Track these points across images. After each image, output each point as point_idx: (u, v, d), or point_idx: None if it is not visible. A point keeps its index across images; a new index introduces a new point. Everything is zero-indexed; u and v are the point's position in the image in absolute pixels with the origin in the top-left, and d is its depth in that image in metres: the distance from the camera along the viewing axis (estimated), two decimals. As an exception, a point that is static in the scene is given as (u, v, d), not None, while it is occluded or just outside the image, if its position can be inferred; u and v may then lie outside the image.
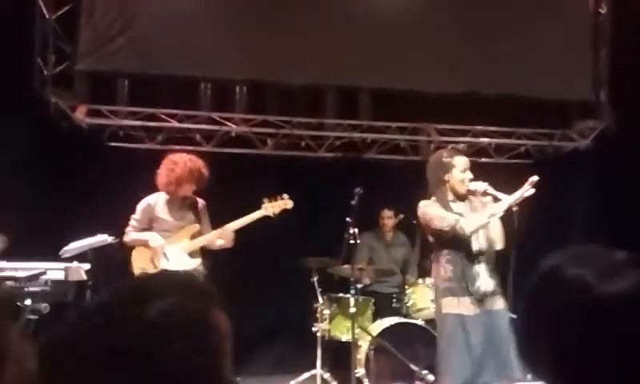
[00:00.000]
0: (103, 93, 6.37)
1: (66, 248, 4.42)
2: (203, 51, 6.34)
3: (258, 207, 5.00)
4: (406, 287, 5.96)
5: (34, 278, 4.05)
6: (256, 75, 6.57)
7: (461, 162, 4.03)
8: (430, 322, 5.58)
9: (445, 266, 3.97)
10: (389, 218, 6.39)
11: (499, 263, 4.08)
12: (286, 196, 5.02)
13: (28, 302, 3.89)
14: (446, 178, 4.02)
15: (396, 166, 6.95)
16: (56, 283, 4.11)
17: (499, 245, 4.03)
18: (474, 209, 4.04)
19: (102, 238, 4.52)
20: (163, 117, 6.49)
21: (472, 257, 3.94)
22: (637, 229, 6.35)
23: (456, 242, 3.93)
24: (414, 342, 5.40)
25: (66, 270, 4.22)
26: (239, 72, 6.55)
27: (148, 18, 6.24)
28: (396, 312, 5.86)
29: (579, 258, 1.05)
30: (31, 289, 4.01)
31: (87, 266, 4.38)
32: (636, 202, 6.42)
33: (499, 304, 3.97)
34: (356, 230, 5.21)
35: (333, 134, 6.83)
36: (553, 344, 1.01)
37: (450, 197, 4.03)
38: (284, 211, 5.01)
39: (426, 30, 6.68)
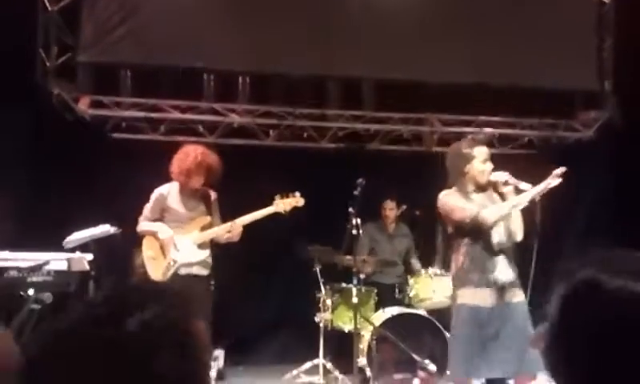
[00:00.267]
0: (106, 84, 6.37)
1: (68, 238, 4.44)
2: (205, 42, 6.33)
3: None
4: (409, 277, 5.97)
5: (36, 269, 4.09)
6: (258, 66, 6.56)
7: (481, 153, 3.97)
8: (433, 312, 5.60)
9: (463, 256, 3.92)
10: (391, 209, 6.39)
11: (519, 255, 4.02)
12: (297, 193, 5.03)
13: (31, 292, 3.93)
14: (466, 169, 3.96)
15: (399, 156, 6.93)
16: (59, 273, 4.15)
17: (519, 236, 3.97)
18: (495, 200, 3.98)
19: (105, 229, 4.54)
20: (166, 108, 6.50)
21: (491, 248, 3.88)
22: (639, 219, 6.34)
23: (476, 232, 3.88)
24: (417, 332, 5.41)
25: (68, 260, 4.25)
26: (241, 63, 6.54)
27: (150, 8, 6.24)
28: (398, 302, 5.87)
29: (615, 267, 0.98)
30: (34, 279, 4.05)
31: (90, 256, 4.41)
32: (637, 192, 6.40)
33: (518, 296, 3.90)
34: (358, 220, 5.21)
35: (336, 124, 6.81)
36: (588, 360, 0.97)
37: (471, 188, 3.98)
38: (295, 208, 5.02)
39: (429, 20, 6.65)
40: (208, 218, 4.93)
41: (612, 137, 6.77)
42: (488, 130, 6.95)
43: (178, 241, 4.81)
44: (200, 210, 4.94)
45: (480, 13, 6.70)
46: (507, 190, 3.91)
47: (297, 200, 5.02)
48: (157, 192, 4.92)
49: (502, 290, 3.86)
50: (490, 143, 4.08)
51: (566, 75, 6.80)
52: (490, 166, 3.96)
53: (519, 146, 7.06)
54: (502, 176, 3.92)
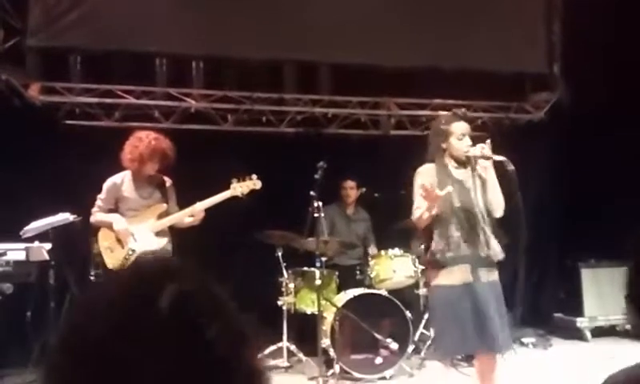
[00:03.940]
0: (56, 69, 6.18)
1: (26, 228, 4.33)
2: (157, 26, 6.21)
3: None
4: (369, 258, 6.04)
5: (-6, 259, 3.97)
6: (212, 50, 6.47)
7: (458, 128, 3.89)
8: (393, 291, 5.70)
9: (433, 235, 3.84)
10: (351, 188, 6.44)
11: (496, 231, 3.87)
12: (254, 176, 4.97)
13: (-10, 283, 3.82)
14: (444, 145, 3.89)
15: (357, 140, 6.97)
16: (18, 264, 4.06)
17: (498, 212, 3.84)
18: (475, 176, 3.85)
19: (64, 217, 4.45)
20: (119, 93, 6.36)
21: (460, 225, 3.78)
22: (588, 199, 6.58)
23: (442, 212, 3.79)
24: (378, 312, 5.49)
25: (27, 250, 4.15)
26: (195, 47, 6.44)
27: (100, -9, 6.09)
28: (359, 283, 5.93)
29: None
30: (-8, 270, 3.94)
31: (49, 245, 4.31)
32: (587, 172, 6.62)
33: (492, 274, 3.82)
34: (320, 203, 5.25)
35: (294, 108, 6.80)
36: None
37: (451, 163, 3.89)
38: (252, 191, 4.97)
39: (383, 5, 6.70)
40: (164, 205, 4.85)
41: (562, 118, 6.98)
42: (443, 113, 7.04)
43: (134, 230, 4.73)
44: (155, 197, 4.86)
45: (433, -1, 6.81)
46: (485, 164, 3.80)
47: (254, 183, 4.97)
48: (109, 181, 4.81)
49: (473, 267, 3.76)
50: (469, 119, 3.96)
51: (516, 58, 6.97)
52: (467, 141, 3.88)
53: (473, 128, 7.16)
54: (477, 150, 3.80)
